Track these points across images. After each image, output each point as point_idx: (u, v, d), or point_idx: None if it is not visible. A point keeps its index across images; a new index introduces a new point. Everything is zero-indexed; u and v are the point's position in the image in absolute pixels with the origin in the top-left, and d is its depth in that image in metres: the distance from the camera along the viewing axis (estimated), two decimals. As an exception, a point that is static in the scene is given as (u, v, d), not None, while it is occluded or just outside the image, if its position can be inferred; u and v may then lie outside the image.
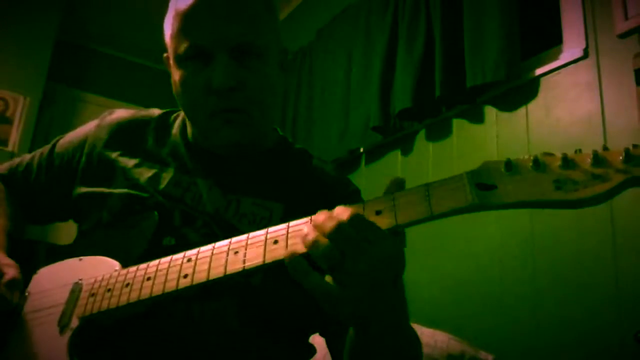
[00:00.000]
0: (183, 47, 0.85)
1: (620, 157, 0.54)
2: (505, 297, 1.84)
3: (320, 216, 0.61)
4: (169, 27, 0.89)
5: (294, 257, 0.61)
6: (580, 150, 0.57)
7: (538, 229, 1.80)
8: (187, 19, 0.85)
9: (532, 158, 0.57)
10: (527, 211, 1.83)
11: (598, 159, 0.55)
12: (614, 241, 1.59)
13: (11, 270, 0.83)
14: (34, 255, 0.94)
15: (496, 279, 1.89)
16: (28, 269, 0.90)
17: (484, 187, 0.57)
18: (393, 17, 2.51)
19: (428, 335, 1.66)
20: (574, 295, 1.65)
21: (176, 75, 0.89)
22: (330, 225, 0.59)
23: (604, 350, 1.54)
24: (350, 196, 0.96)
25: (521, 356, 1.74)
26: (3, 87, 3.56)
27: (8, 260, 0.86)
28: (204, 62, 0.84)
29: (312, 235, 0.60)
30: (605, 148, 0.56)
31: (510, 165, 0.58)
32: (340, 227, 0.58)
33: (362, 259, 0.58)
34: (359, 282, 0.59)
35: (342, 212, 0.60)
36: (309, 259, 0.60)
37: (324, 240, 0.59)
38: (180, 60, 0.87)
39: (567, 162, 0.56)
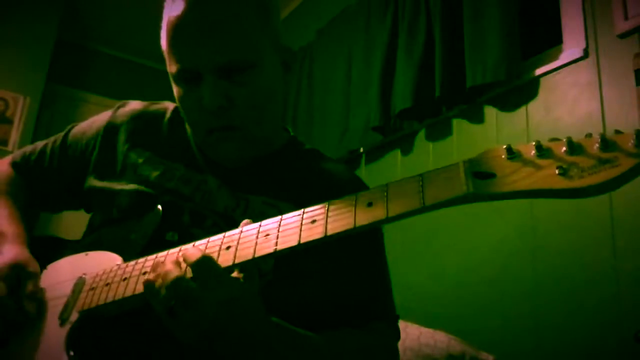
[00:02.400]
0: (174, 68, 0.85)
1: (632, 141, 0.49)
2: (505, 297, 1.84)
3: (168, 264, 0.65)
4: (163, 40, 0.88)
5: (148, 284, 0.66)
6: (590, 135, 0.52)
7: (538, 229, 1.80)
8: (173, 40, 0.84)
9: (535, 144, 0.52)
10: (528, 211, 1.83)
11: (607, 143, 0.50)
12: (614, 241, 1.58)
13: (32, 282, 0.85)
14: (48, 251, 0.95)
15: (496, 279, 1.89)
16: (42, 265, 0.91)
17: (482, 176, 0.53)
18: (393, 17, 2.51)
19: (428, 336, 1.66)
20: (574, 295, 1.65)
21: (174, 90, 0.89)
22: (172, 275, 0.63)
23: (604, 350, 1.54)
24: None
25: (521, 356, 1.74)
26: (3, 87, 3.57)
27: (32, 266, 0.88)
28: (196, 82, 0.84)
29: (155, 281, 0.65)
30: (617, 132, 0.51)
31: (511, 152, 0.53)
32: (180, 280, 0.63)
33: (195, 307, 0.62)
34: (191, 326, 0.63)
35: (190, 256, 0.64)
36: None
37: (162, 291, 0.63)
38: (174, 79, 0.87)
39: (573, 147, 0.51)
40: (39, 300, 0.86)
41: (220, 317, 0.63)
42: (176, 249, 0.73)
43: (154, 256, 0.75)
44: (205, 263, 0.63)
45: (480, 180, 0.53)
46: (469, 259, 2.01)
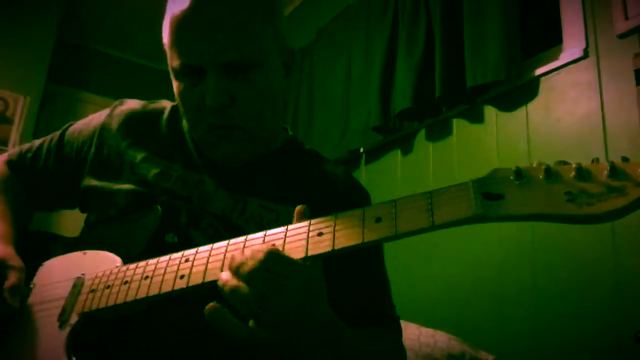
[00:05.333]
0: (176, 63, 0.84)
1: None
2: (505, 297, 1.85)
3: (236, 258, 0.62)
4: (165, 34, 0.87)
5: (213, 309, 0.61)
6: (597, 160, 0.52)
7: (538, 229, 1.80)
8: (178, 35, 0.83)
9: (543, 167, 0.53)
10: (527, 211, 1.83)
11: (615, 171, 0.50)
12: (614, 241, 1.59)
13: (14, 275, 0.84)
14: (43, 247, 0.94)
15: (496, 279, 1.89)
16: (36, 261, 0.90)
17: (490, 197, 0.54)
18: (393, 17, 2.51)
19: (428, 335, 1.66)
20: (574, 296, 1.65)
21: (174, 85, 0.88)
22: (246, 268, 0.60)
23: (604, 350, 1.54)
24: (360, 203, 0.94)
25: (521, 356, 1.74)
26: (3, 87, 3.56)
27: (15, 262, 0.86)
28: (198, 78, 0.83)
29: (231, 282, 0.61)
30: (624, 159, 0.51)
31: (520, 174, 0.54)
32: (256, 269, 0.59)
33: (281, 296, 0.59)
34: (281, 320, 0.59)
35: (257, 253, 0.60)
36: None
37: (243, 286, 0.59)
38: (175, 74, 0.86)
39: (582, 173, 0.51)
40: (22, 293, 0.84)
41: (307, 305, 0.60)
42: (178, 254, 0.72)
43: (155, 260, 0.74)
44: (272, 253, 0.60)
45: (489, 201, 0.53)
46: (469, 259, 2.01)
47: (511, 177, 0.54)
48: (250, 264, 0.60)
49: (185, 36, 0.82)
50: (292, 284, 0.59)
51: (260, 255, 0.60)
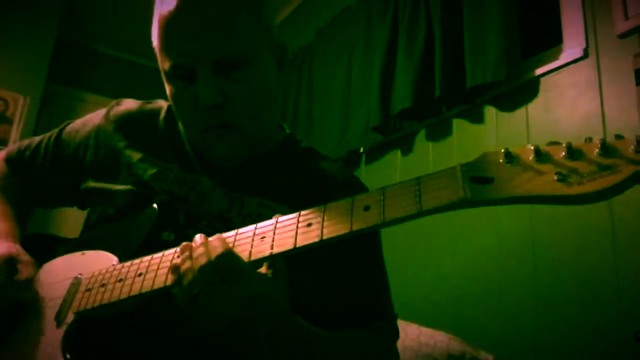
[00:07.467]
0: (167, 65, 0.83)
1: (632, 146, 0.47)
2: (505, 297, 1.84)
3: (199, 248, 0.64)
4: (154, 36, 0.87)
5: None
6: (590, 139, 0.50)
7: (538, 229, 1.80)
8: (167, 35, 0.82)
9: (533, 148, 0.51)
10: (527, 210, 1.83)
11: (607, 149, 0.48)
12: (614, 241, 1.58)
13: (26, 269, 0.86)
14: (43, 249, 0.95)
15: (496, 279, 1.89)
16: (37, 263, 0.92)
17: (479, 181, 0.52)
18: (393, 17, 2.51)
19: (428, 335, 1.66)
20: (574, 295, 1.65)
21: (167, 88, 0.88)
22: (203, 260, 0.63)
23: (604, 350, 1.54)
24: None
25: (521, 356, 1.74)
26: (3, 87, 3.57)
27: (26, 257, 0.88)
28: (189, 79, 0.82)
29: (185, 265, 0.64)
30: (618, 137, 0.49)
31: (509, 156, 0.52)
32: (211, 265, 0.62)
33: (219, 300, 0.62)
34: (215, 316, 0.63)
35: (216, 248, 0.63)
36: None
37: (188, 276, 0.63)
38: (167, 76, 0.86)
39: (572, 152, 0.49)
40: (34, 287, 0.87)
41: (243, 312, 0.63)
42: (171, 250, 0.72)
43: (149, 257, 0.75)
44: (226, 258, 0.63)
45: (477, 185, 0.52)
46: (469, 259, 2.01)
47: (501, 160, 0.52)
48: (205, 259, 0.63)
49: (174, 36, 0.81)
50: (235, 292, 0.62)
51: (218, 251, 0.63)
